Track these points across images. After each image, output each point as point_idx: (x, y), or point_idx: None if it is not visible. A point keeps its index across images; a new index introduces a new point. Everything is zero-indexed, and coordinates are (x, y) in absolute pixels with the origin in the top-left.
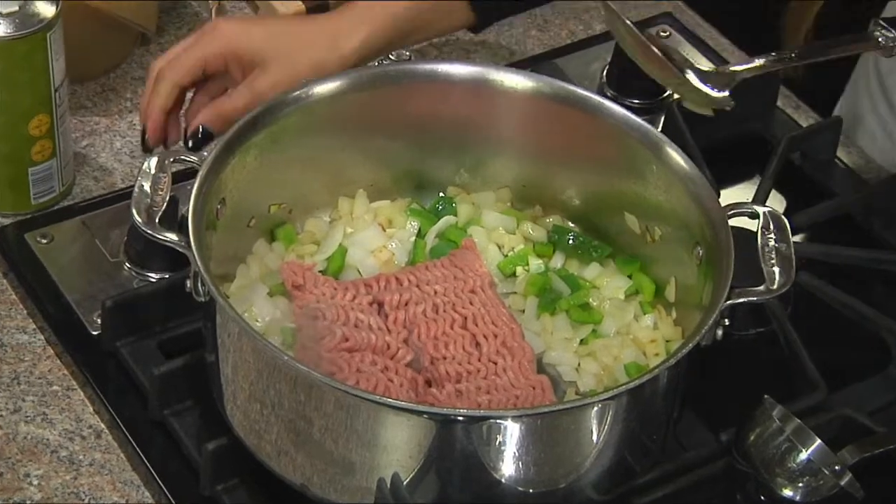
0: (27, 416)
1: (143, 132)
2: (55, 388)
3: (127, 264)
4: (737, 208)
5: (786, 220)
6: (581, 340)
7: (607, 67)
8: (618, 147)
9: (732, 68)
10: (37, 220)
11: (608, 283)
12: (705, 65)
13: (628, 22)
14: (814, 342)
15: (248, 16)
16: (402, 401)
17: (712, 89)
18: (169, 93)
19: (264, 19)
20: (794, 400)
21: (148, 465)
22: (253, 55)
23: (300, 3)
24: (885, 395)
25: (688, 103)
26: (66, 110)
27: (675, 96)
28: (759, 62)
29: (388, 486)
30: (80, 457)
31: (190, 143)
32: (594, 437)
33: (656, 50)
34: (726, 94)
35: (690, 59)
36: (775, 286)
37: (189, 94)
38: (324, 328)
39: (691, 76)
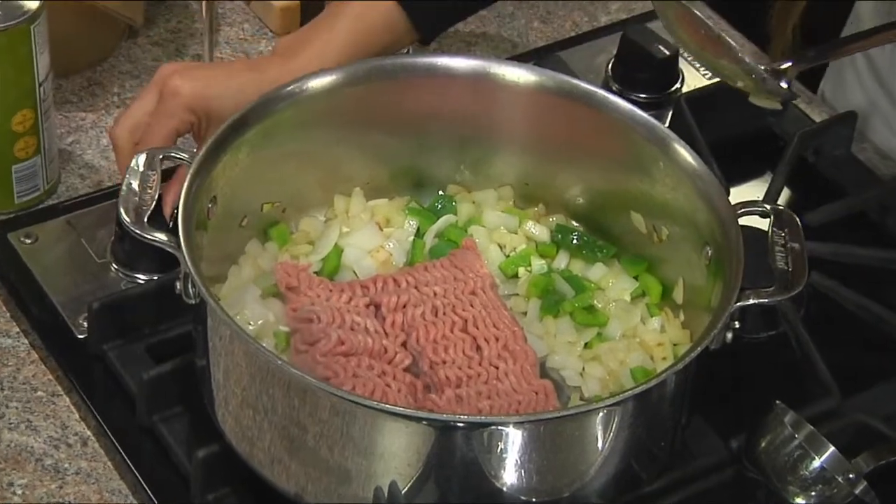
0: (11, 423)
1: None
2: (40, 393)
3: (114, 265)
4: (747, 207)
5: (798, 219)
6: (585, 344)
7: (613, 60)
8: (624, 143)
9: (783, 66)
10: (20, 220)
11: (613, 285)
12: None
13: (697, 12)
14: (827, 345)
15: (202, 64)
16: (399, 407)
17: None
18: None
19: (213, 68)
20: (807, 405)
21: (136, 473)
22: (210, 115)
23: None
24: None
25: (754, 97)
26: (51, 105)
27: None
28: (809, 55)
29: (386, 495)
30: (66, 465)
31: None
32: (599, 445)
33: (730, 40)
34: (786, 85)
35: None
36: (787, 287)
37: None
38: (319, 331)
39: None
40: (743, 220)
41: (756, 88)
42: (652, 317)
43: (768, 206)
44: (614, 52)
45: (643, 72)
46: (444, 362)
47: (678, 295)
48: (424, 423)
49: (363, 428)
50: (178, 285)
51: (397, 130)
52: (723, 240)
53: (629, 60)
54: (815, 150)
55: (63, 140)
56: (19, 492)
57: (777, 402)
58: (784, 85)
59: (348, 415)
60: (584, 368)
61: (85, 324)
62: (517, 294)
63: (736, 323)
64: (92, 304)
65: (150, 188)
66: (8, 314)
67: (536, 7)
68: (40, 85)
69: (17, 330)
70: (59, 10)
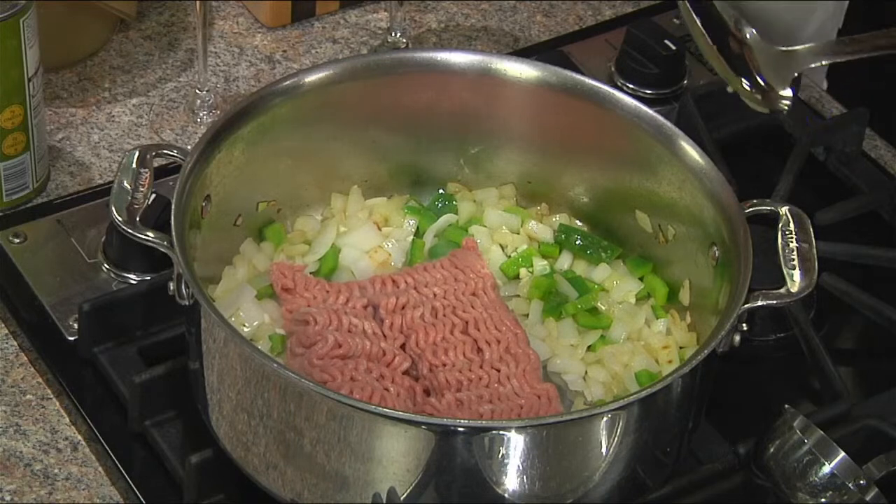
0: None
1: None
2: (29, 397)
3: (105, 265)
4: (756, 206)
5: (808, 219)
6: (589, 347)
7: (618, 55)
8: (629, 141)
9: (796, 48)
10: (9, 219)
11: (618, 286)
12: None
13: (697, 18)
14: (838, 348)
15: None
16: (398, 411)
17: (773, 79)
18: None
19: None
20: (817, 410)
21: (128, 479)
22: None
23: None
24: None
25: (746, 99)
26: (41, 101)
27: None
28: (824, 47)
29: (384, 501)
30: (56, 471)
31: None
32: (603, 450)
33: (710, 42)
34: (788, 92)
35: (758, 43)
36: (797, 289)
37: None
38: (315, 334)
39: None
40: (751, 220)
41: (745, 93)
42: (657, 319)
43: (777, 205)
44: (619, 46)
45: (649, 67)
46: (444, 365)
47: (684, 296)
48: (424, 427)
49: (361, 433)
50: (171, 286)
51: (396, 127)
52: (730, 240)
53: (634, 55)
54: (826, 148)
55: (53, 136)
56: (8, 498)
57: (786, 406)
58: (780, 91)
59: (346, 419)
60: (587, 372)
61: (75, 325)
62: (519, 295)
63: (744, 325)
64: (82, 305)
65: (143, 186)
66: None
67: (539, 1)
68: (30, 80)
69: (6, 332)
70: (48, 2)
